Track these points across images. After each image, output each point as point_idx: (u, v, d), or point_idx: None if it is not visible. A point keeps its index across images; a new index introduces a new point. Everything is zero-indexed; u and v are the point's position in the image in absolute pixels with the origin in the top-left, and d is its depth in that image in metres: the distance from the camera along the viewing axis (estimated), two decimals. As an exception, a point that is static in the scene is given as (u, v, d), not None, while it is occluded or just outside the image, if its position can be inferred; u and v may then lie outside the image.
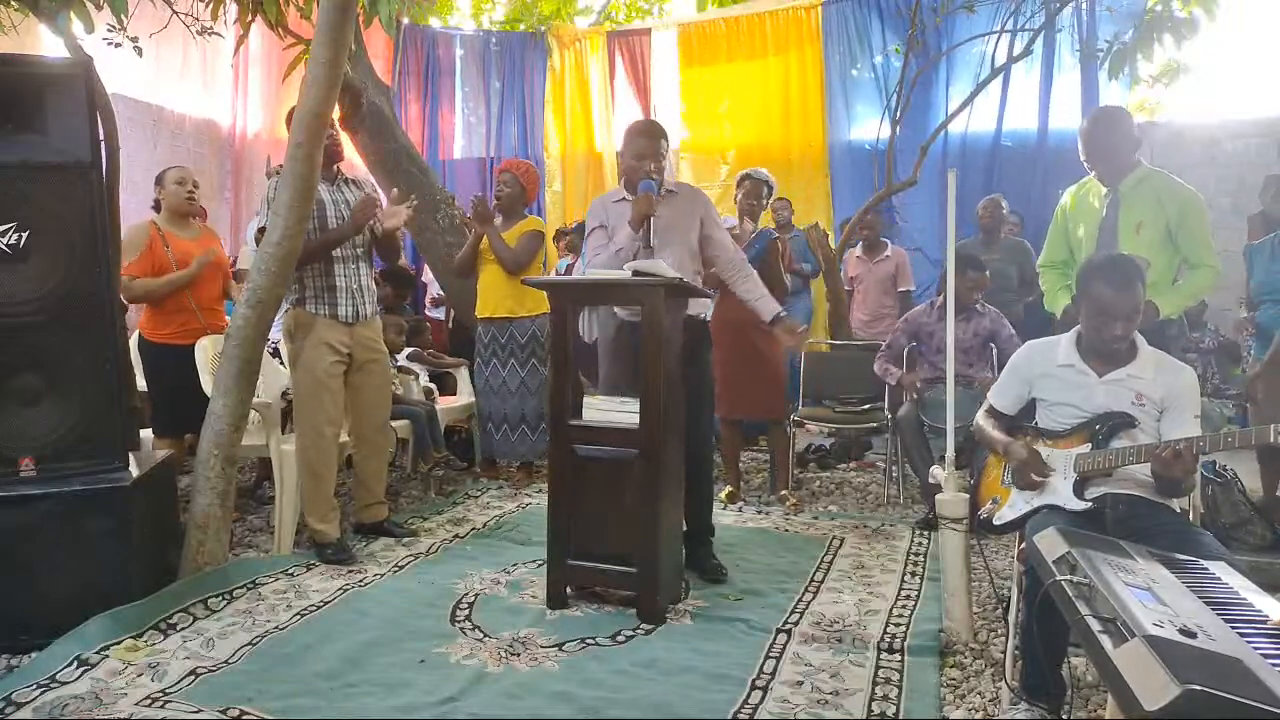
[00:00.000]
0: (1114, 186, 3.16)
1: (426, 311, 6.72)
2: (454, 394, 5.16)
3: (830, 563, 3.52)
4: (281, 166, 4.83)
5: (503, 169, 4.82)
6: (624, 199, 3.25)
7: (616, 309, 3.33)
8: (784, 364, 4.46)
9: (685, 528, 3.30)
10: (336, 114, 3.72)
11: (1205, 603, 1.47)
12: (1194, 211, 3.08)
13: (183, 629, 2.72)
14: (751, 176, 4.42)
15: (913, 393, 4.13)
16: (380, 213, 3.64)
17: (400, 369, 4.67)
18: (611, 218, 3.25)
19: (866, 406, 4.81)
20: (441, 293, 6.34)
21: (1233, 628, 1.36)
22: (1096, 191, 3.24)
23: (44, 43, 4.82)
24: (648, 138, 3.21)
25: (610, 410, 3.00)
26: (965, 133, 6.53)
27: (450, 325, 6.30)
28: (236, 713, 2.22)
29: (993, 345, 4.20)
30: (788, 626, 2.81)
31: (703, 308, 3.36)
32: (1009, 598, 2.60)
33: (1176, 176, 3.18)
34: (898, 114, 5.95)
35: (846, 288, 5.73)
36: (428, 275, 6.49)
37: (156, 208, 3.96)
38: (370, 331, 3.63)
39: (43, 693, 2.30)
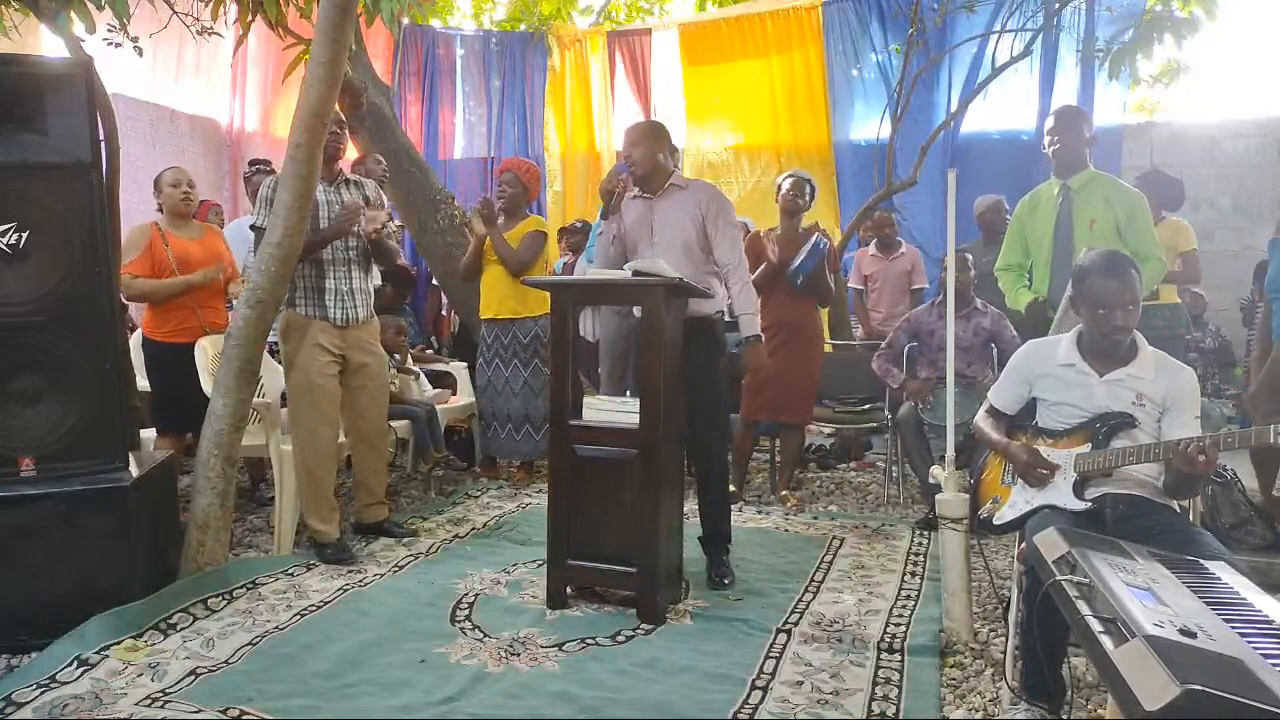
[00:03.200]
0: (1065, 181, 3.45)
1: (443, 312, 6.70)
2: (454, 394, 5.15)
3: (830, 563, 3.52)
4: (257, 163, 4.80)
5: (504, 168, 4.81)
6: (636, 195, 3.34)
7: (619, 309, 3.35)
8: (819, 370, 4.46)
9: (702, 532, 3.34)
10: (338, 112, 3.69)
11: (1205, 603, 1.47)
12: (1140, 211, 3.38)
13: (183, 629, 2.72)
14: (795, 175, 4.44)
15: (920, 399, 4.11)
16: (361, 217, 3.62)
17: (401, 369, 4.67)
18: (625, 211, 3.35)
19: (866, 406, 4.81)
20: None
21: (1233, 628, 1.36)
22: (1048, 193, 3.54)
23: (44, 43, 4.82)
24: (629, 131, 3.36)
25: (610, 410, 3.00)
26: (965, 133, 6.53)
27: (455, 329, 6.29)
28: (236, 713, 2.22)
29: (994, 346, 4.20)
30: (788, 626, 2.81)
31: (713, 307, 3.32)
32: (1009, 598, 2.61)
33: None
34: (898, 113, 5.95)
35: (859, 286, 5.71)
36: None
37: (161, 209, 3.99)
38: (365, 334, 3.61)
39: (43, 693, 2.30)
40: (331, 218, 3.51)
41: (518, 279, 4.51)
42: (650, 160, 3.25)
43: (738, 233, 3.33)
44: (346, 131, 3.69)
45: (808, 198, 4.42)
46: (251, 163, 5.31)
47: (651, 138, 3.29)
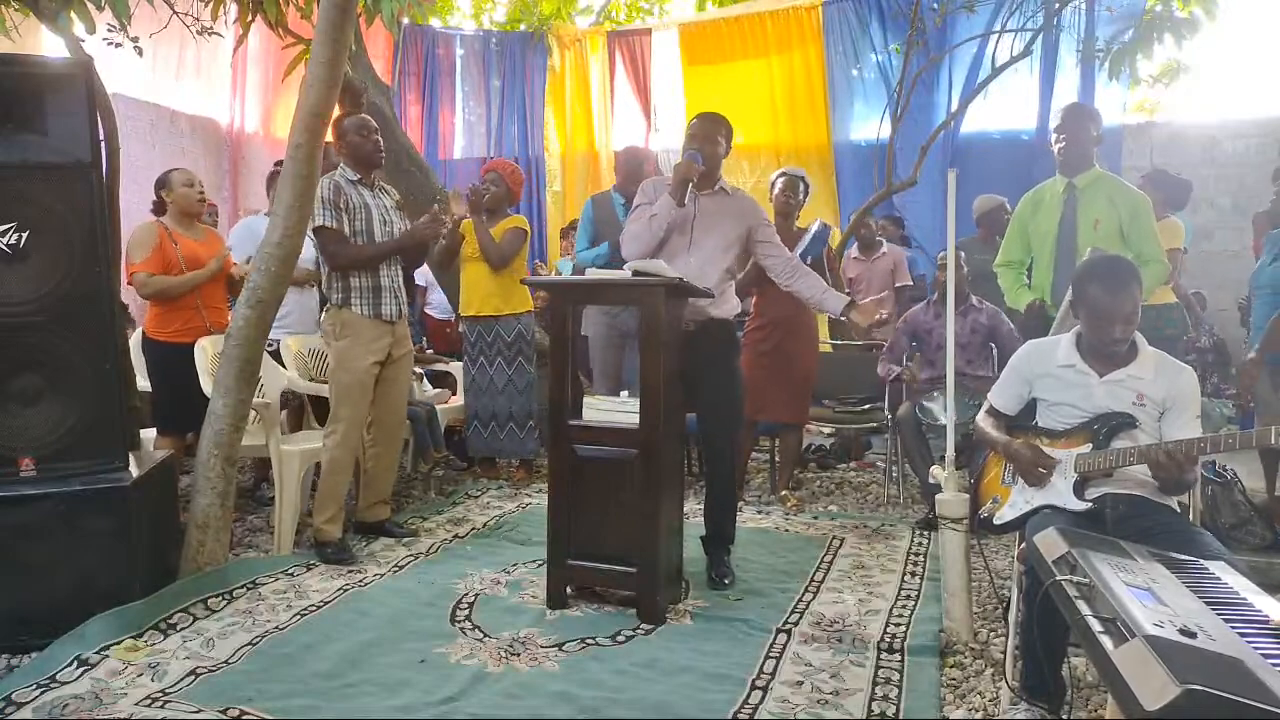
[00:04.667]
0: (1070, 180, 3.44)
1: (426, 311, 6.71)
2: (455, 394, 5.15)
3: (830, 563, 3.52)
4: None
5: (488, 169, 4.80)
6: None
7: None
8: (814, 368, 4.46)
9: (705, 532, 3.34)
10: (336, 115, 3.68)
11: (1205, 603, 1.47)
12: (1143, 212, 3.37)
13: (183, 629, 2.72)
14: (788, 174, 4.44)
15: (915, 381, 4.11)
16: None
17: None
18: (659, 195, 3.20)
19: (866, 406, 4.81)
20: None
21: (1233, 628, 1.36)
22: (1052, 190, 3.52)
23: (44, 43, 4.83)
24: (702, 122, 3.26)
25: (610, 410, 3.00)
26: (965, 133, 6.53)
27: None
28: (236, 713, 2.22)
29: (993, 345, 4.20)
30: (788, 626, 2.81)
31: (731, 310, 3.31)
32: (1009, 598, 2.61)
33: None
34: (898, 113, 5.96)
35: (845, 290, 5.72)
36: (421, 277, 6.48)
37: (156, 210, 3.94)
38: (404, 328, 3.73)
39: (43, 693, 2.30)
40: (381, 220, 3.57)
41: (498, 272, 4.52)
42: (718, 158, 3.20)
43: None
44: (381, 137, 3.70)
45: (801, 196, 4.41)
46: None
47: (725, 137, 3.22)
